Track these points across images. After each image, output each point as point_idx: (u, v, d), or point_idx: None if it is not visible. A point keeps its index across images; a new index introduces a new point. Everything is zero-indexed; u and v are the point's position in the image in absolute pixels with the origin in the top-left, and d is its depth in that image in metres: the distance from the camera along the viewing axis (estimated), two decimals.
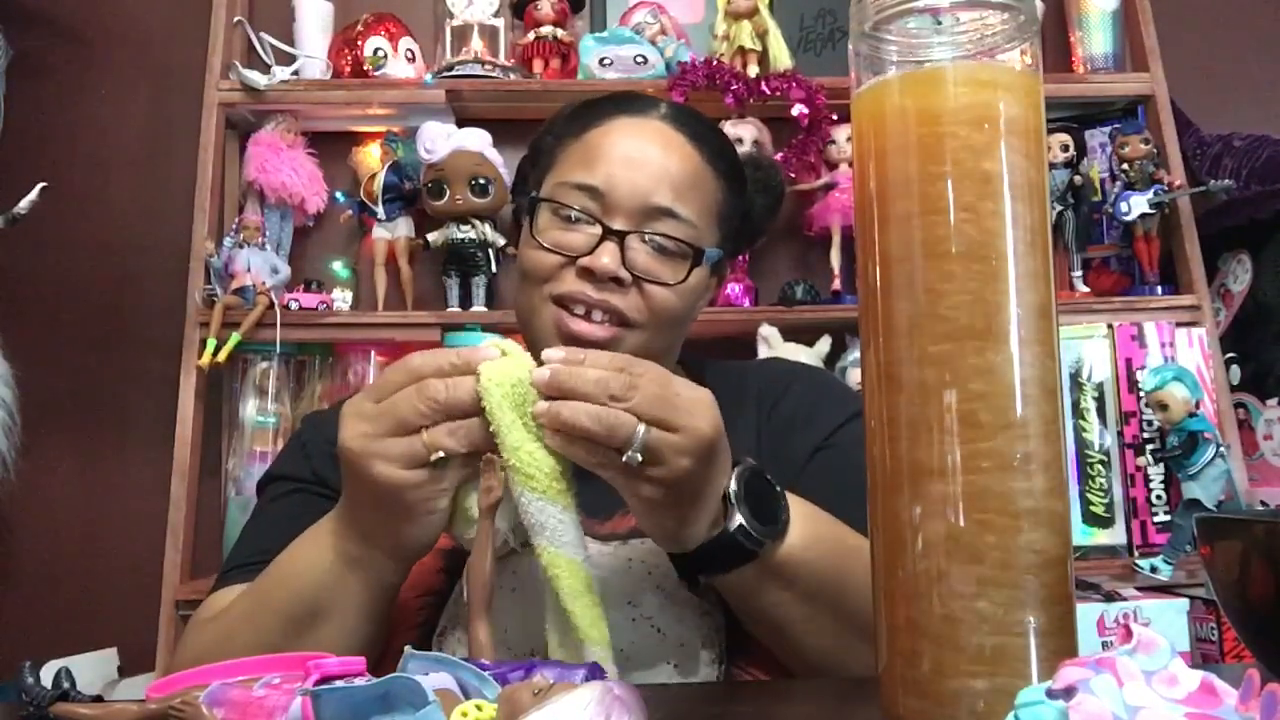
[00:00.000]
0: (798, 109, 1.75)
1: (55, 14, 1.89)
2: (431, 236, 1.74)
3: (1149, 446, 1.67)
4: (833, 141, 1.80)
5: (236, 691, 0.45)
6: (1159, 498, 1.66)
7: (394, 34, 1.82)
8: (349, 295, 1.80)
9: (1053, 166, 1.80)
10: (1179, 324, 1.73)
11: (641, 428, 0.59)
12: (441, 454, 0.60)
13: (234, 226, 1.75)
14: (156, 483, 1.69)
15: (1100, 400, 1.70)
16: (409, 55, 1.83)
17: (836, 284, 1.79)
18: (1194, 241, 1.77)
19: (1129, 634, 0.36)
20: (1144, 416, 1.68)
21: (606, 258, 0.81)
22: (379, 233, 1.78)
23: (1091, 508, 1.66)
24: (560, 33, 1.83)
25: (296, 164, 1.76)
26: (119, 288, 1.87)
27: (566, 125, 0.90)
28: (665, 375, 0.62)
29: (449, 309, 1.76)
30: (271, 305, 1.67)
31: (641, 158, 0.84)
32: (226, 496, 1.75)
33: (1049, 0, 1.92)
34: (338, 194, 1.83)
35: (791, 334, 1.70)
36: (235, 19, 1.82)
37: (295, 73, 1.79)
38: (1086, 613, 1.47)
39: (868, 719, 0.53)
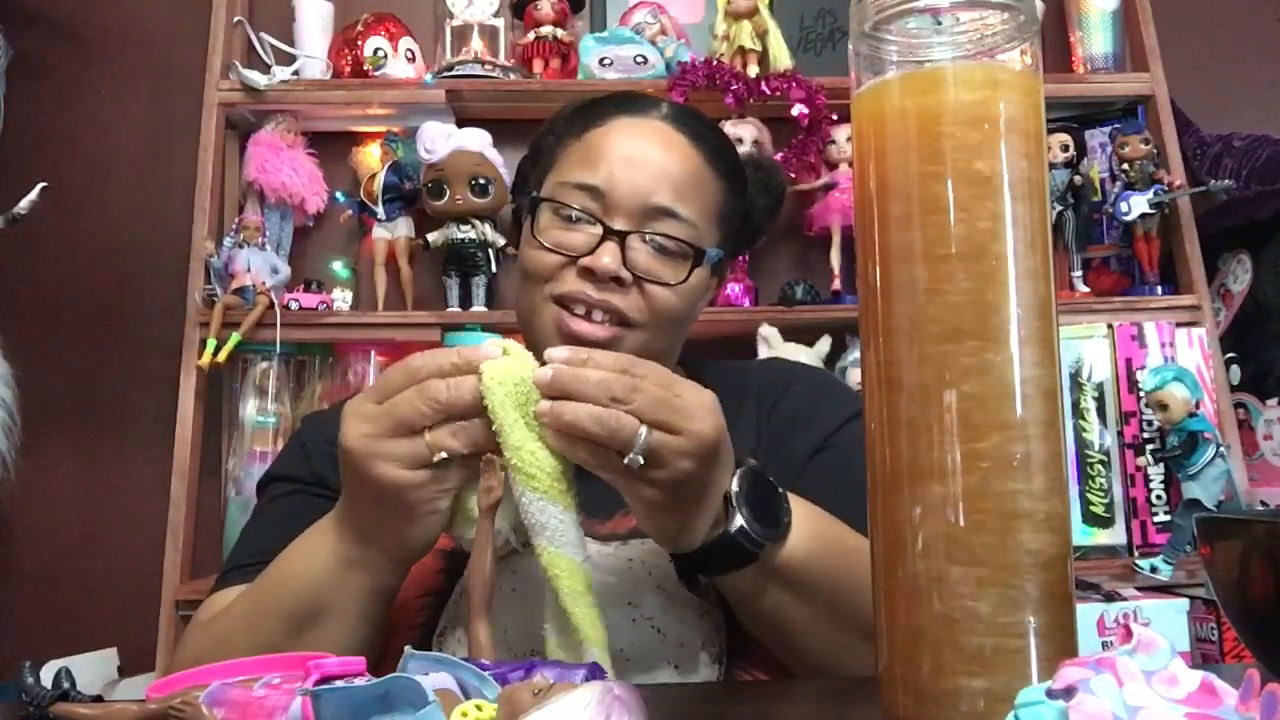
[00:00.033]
0: (798, 109, 1.75)
1: (55, 14, 1.89)
2: (431, 236, 1.74)
3: (1149, 446, 1.67)
4: (833, 141, 1.80)
5: (236, 691, 0.45)
6: (1159, 498, 1.66)
7: (394, 34, 1.82)
8: (349, 295, 1.80)
9: (1053, 166, 1.80)
10: (1179, 324, 1.73)
11: (643, 430, 0.59)
12: (444, 454, 0.60)
13: (234, 226, 1.75)
14: (156, 483, 1.69)
15: (1100, 400, 1.70)
16: (409, 55, 1.83)
17: (836, 284, 1.79)
18: (1194, 241, 1.77)
19: (1129, 634, 0.36)
20: (1144, 416, 1.68)
21: (607, 258, 0.81)
22: (379, 233, 1.78)
23: (1091, 508, 1.66)
24: (560, 33, 1.83)
25: (296, 164, 1.76)
26: (119, 288, 1.87)
27: (567, 125, 0.90)
28: (668, 377, 0.62)
29: (449, 309, 1.76)
30: (271, 305, 1.67)
31: (642, 158, 0.84)
32: (226, 496, 1.75)
33: (1049, 0, 1.92)
34: (338, 194, 1.83)
35: (791, 334, 1.70)
36: (235, 19, 1.82)
37: (295, 73, 1.79)
38: (1086, 613, 1.47)
39: (868, 719, 0.53)
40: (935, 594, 0.47)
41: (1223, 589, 0.57)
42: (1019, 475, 0.48)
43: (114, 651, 1.68)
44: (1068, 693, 0.34)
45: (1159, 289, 1.77)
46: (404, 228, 1.78)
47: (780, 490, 0.70)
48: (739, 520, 0.65)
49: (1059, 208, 1.81)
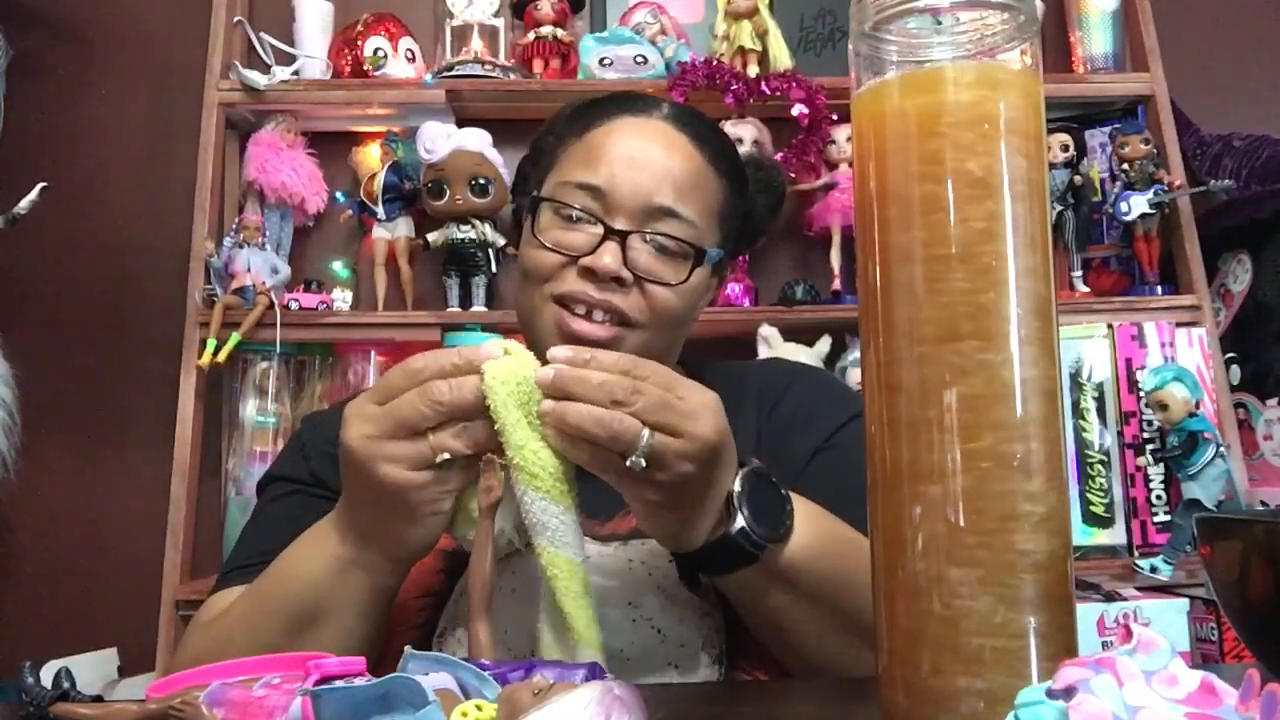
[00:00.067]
0: (798, 109, 1.75)
1: (55, 14, 1.89)
2: (431, 236, 1.74)
3: (1149, 446, 1.67)
4: (833, 141, 1.80)
5: (236, 691, 0.45)
6: (1159, 498, 1.66)
7: (394, 34, 1.82)
8: (349, 295, 1.80)
9: (1053, 166, 1.80)
10: (1179, 324, 1.73)
11: (646, 433, 0.59)
12: (446, 455, 0.60)
13: (234, 226, 1.75)
14: (156, 483, 1.69)
15: (1100, 400, 1.70)
16: (409, 55, 1.83)
17: (836, 284, 1.79)
18: (1194, 241, 1.77)
19: (1129, 634, 0.36)
20: (1144, 416, 1.68)
21: (608, 257, 0.81)
22: (379, 233, 1.78)
23: (1091, 508, 1.66)
24: (560, 33, 1.83)
25: (296, 164, 1.76)
26: (119, 288, 1.87)
27: (568, 125, 0.90)
28: (671, 378, 0.62)
29: (449, 309, 1.76)
30: (271, 305, 1.67)
31: (644, 158, 0.84)
32: (226, 496, 1.75)
33: (1049, 0, 1.92)
34: (338, 194, 1.83)
35: (791, 334, 1.70)
36: (235, 19, 1.82)
37: (295, 73, 1.79)
38: (1086, 613, 1.47)
39: (868, 719, 0.53)
40: (935, 594, 0.47)
41: (1223, 589, 0.57)
42: (1019, 475, 0.48)
43: (114, 651, 1.68)
44: (1068, 693, 0.34)
45: (1159, 289, 1.77)
46: (404, 228, 1.78)
47: (783, 492, 0.69)
48: (740, 521, 0.65)
49: (1059, 208, 1.81)
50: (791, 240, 1.88)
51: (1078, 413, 1.69)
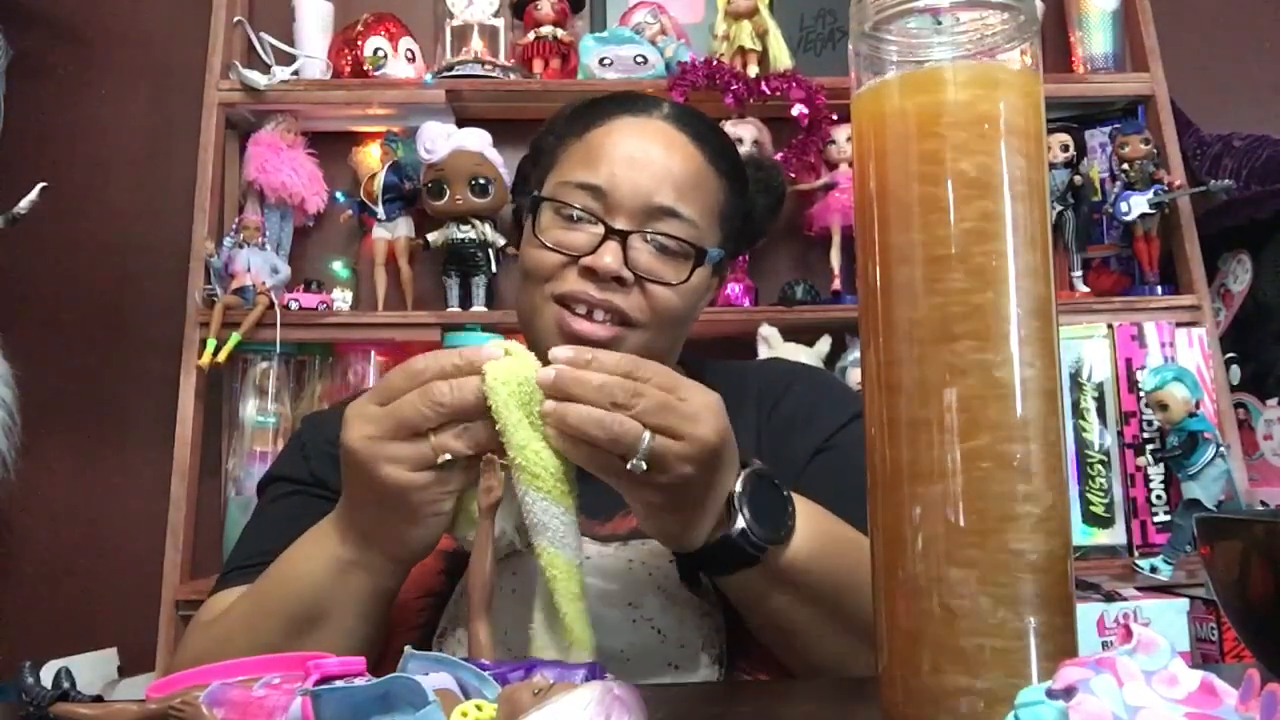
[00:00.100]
0: (798, 109, 1.75)
1: (55, 14, 1.89)
2: (431, 236, 1.74)
3: (1149, 446, 1.67)
4: (833, 141, 1.80)
5: (236, 691, 0.45)
6: (1159, 498, 1.66)
7: (394, 34, 1.82)
8: (349, 295, 1.80)
9: (1053, 166, 1.80)
10: (1179, 324, 1.73)
11: (646, 435, 0.59)
12: (448, 456, 0.60)
13: (234, 226, 1.75)
14: (156, 483, 1.69)
15: (1100, 400, 1.70)
16: (409, 55, 1.83)
17: (836, 284, 1.79)
18: (1194, 241, 1.77)
19: (1129, 634, 0.36)
20: (1144, 416, 1.68)
21: (609, 257, 0.81)
22: (379, 233, 1.78)
23: (1091, 508, 1.66)
24: (560, 33, 1.83)
25: (296, 164, 1.76)
26: (119, 288, 1.87)
27: (568, 125, 0.90)
28: (672, 380, 0.62)
29: (449, 309, 1.76)
30: (271, 305, 1.67)
31: (644, 157, 0.84)
32: (226, 496, 1.75)
33: (1049, 0, 1.92)
34: (338, 194, 1.83)
35: (791, 334, 1.70)
36: (235, 19, 1.82)
37: (295, 73, 1.79)
38: (1086, 613, 1.47)
39: (868, 719, 0.53)
40: (935, 594, 0.47)
41: (1223, 589, 0.57)
42: (1019, 475, 0.48)
43: (114, 651, 1.68)
44: (1068, 693, 0.34)
45: (1159, 289, 1.77)
46: (404, 228, 1.78)
47: (785, 493, 0.69)
48: (740, 522, 0.65)
49: (1059, 208, 1.81)
50: (791, 240, 1.88)
51: (1078, 413, 1.69)
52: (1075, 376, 1.70)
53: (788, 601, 0.69)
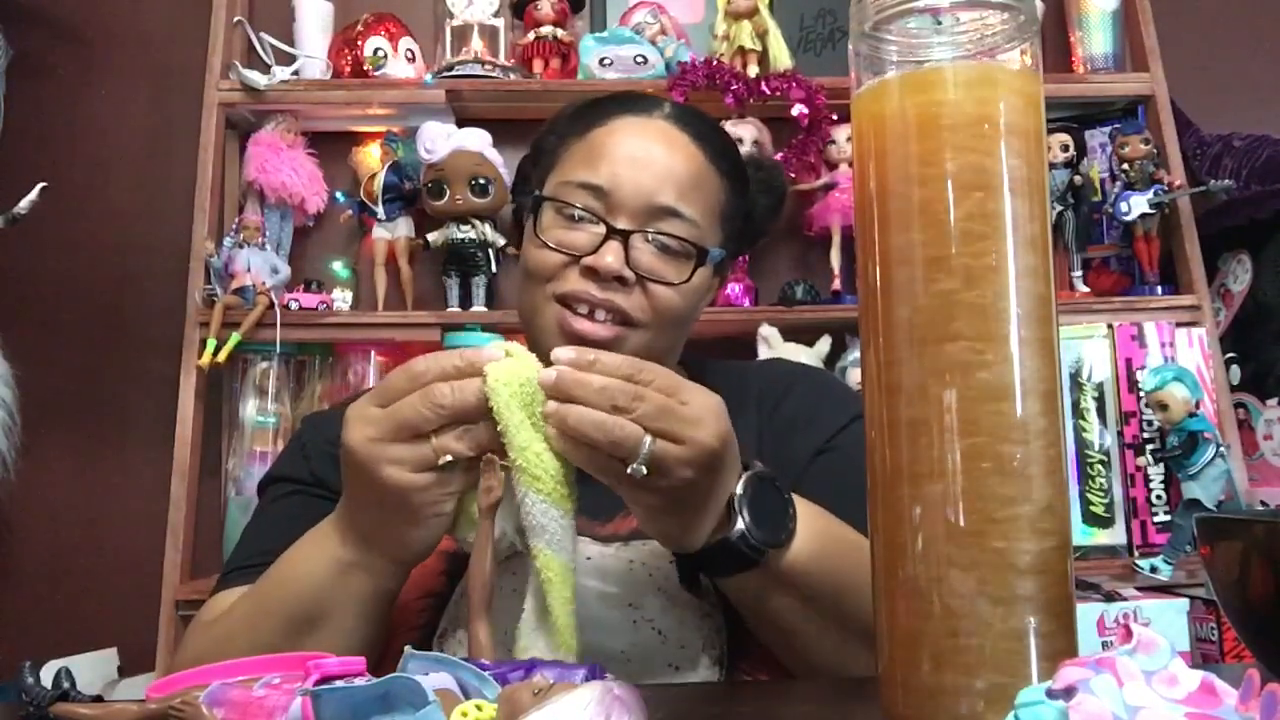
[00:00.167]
0: (798, 109, 1.75)
1: (55, 14, 1.89)
2: (431, 236, 1.74)
3: (1149, 446, 1.67)
4: (833, 141, 1.80)
5: (236, 691, 0.45)
6: (1159, 498, 1.66)
7: (394, 34, 1.82)
8: (349, 295, 1.80)
9: (1053, 166, 1.80)
10: (1179, 324, 1.73)
11: (647, 439, 0.59)
12: (449, 457, 0.60)
13: (234, 226, 1.75)
14: (156, 483, 1.69)
15: (1100, 400, 1.70)
16: (409, 55, 1.83)
17: (836, 284, 1.79)
18: (1194, 241, 1.77)
19: (1129, 634, 0.36)
20: (1144, 416, 1.68)
21: (610, 257, 0.81)
22: (379, 233, 1.78)
23: (1091, 508, 1.66)
24: (560, 33, 1.83)
25: (296, 164, 1.76)
26: (119, 288, 1.87)
27: (569, 124, 0.90)
28: (674, 383, 0.62)
29: (449, 309, 1.76)
30: (271, 305, 1.67)
31: (646, 157, 0.84)
32: (226, 496, 1.75)
33: (1049, 0, 1.92)
34: (338, 194, 1.83)
35: (791, 334, 1.70)
36: (235, 19, 1.82)
37: (295, 73, 1.79)
38: (1086, 613, 1.47)
39: (867, 719, 0.53)
40: (935, 594, 0.47)
41: (1223, 589, 0.57)
42: (1019, 475, 0.48)
43: (114, 651, 1.68)
44: (1068, 693, 0.34)
45: (1159, 289, 1.77)
46: (404, 228, 1.78)
47: (787, 496, 0.69)
48: (740, 525, 0.65)
49: (1059, 208, 1.81)
50: (791, 240, 1.88)
51: (1078, 413, 1.69)
52: (1075, 376, 1.70)
53: (788, 603, 0.69)
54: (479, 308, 1.76)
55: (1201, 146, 1.90)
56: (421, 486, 0.60)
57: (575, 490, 0.61)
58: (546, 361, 0.60)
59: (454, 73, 1.78)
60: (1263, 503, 1.70)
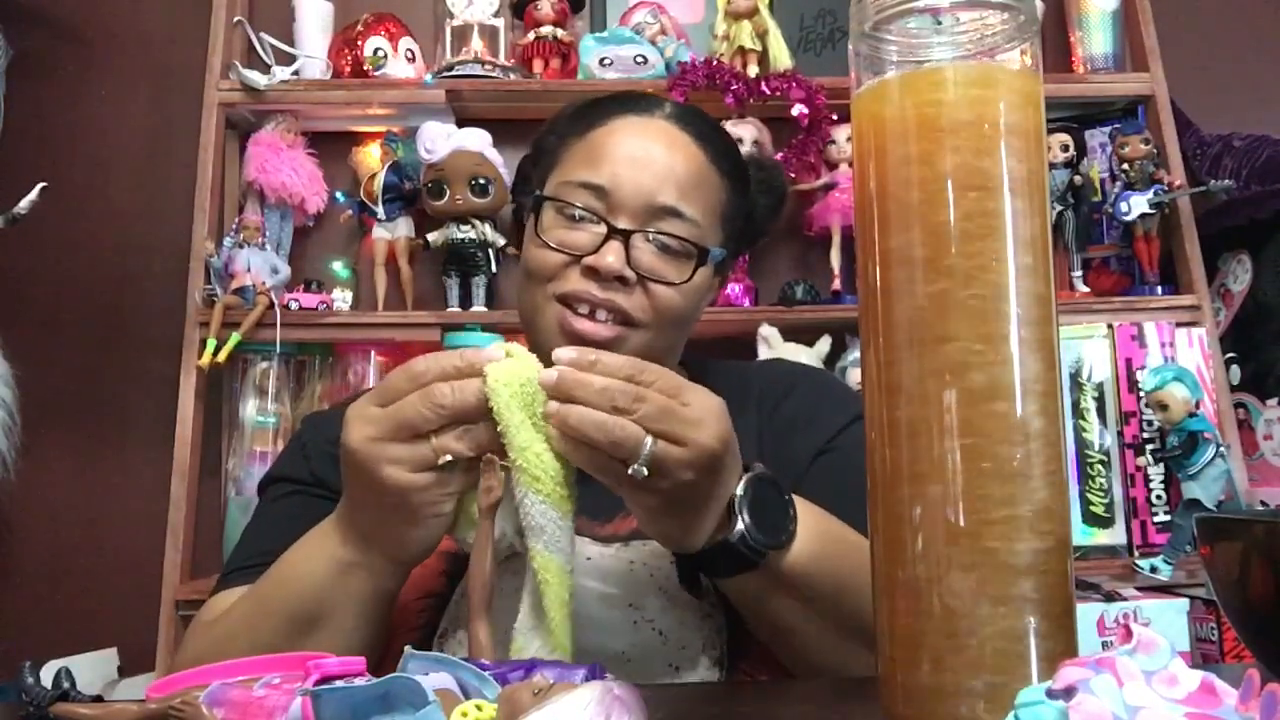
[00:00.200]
0: (798, 109, 1.75)
1: (55, 14, 1.89)
2: (431, 236, 1.74)
3: (1149, 446, 1.67)
4: (833, 141, 1.80)
5: (236, 691, 0.45)
6: (1159, 498, 1.66)
7: (394, 34, 1.82)
8: (349, 295, 1.80)
9: (1053, 166, 1.80)
10: (1179, 324, 1.73)
11: (648, 440, 0.59)
12: (449, 457, 0.60)
13: (234, 226, 1.75)
14: (156, 483, 1.69)
15: (1100, 400, 1.70)
16: (409, 55, 1.83)
17: (836, 284, 1.79)
18: (1194, 241, 1.77)
19: (1129, 634, 0.36)
20: (1144, 416, 1.68)
21: (611, 256, 0.81)
22: (379, 233, 1.78)
23: (1091, 508, 1.66)
24: (560, 33, 1.83)
25: (296, 164, 1.76)
26: (119, 288, 1.87)
27: (570, 124, 0.90)
28: (675, 384, 0.61)
29: (449, 309, 1.76)
30: (271, 305, 1.67)
31: (646, 157, 0.84)
32: (226, 496, 1.75)
33: (1049, 0, 1.92)
34: (338, 194, 1.83)
35: (791, 334, 1.70)
36: (235, 19, 1.82)
37: (295, 73, 1.79)
38: (1086, 613, 1.47)
39: (867, 719, 0.53)
40: (935, 594, 0.47)
41: (1223, 589, 0.57)
42: (1019, 475, 0.48)
43: (114, 651, 1.68)
44: (1068, 693, 0.34)
45: (1159, 289, 1.77)
46: (404, 228, 1.78)
47: (787, 497, 0.69)
48: (740, 527, 0.65)
49: (1059, 208, 1.81)
50: (791, 240, 1.88)
51: (1078, 413, 1.69)
52: (1075, 376, 1.70)
53: (788, 604, 0.69)
54: (479, 308, 1.76)
55: (1201, 146, 1.91)
56: (421, 486, 0.60)
57: (575, 491, 0.61)
58: (547, 362, 0.60)
59: (454, 73, 1.78)
60: (1263, 503, 1.70)
